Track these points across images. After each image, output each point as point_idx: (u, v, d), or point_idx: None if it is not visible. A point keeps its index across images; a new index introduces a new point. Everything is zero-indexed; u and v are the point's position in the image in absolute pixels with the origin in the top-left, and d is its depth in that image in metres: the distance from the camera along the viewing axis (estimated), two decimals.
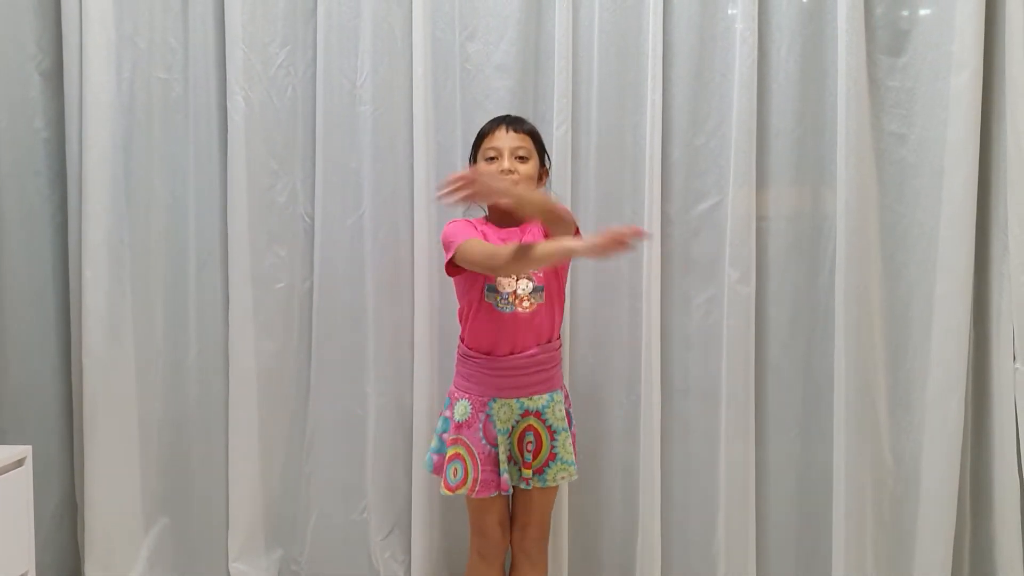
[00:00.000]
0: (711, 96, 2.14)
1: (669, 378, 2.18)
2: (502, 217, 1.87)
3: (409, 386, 2.20)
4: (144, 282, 2.26)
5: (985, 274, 2.10)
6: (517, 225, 1.87)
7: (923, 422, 2.10)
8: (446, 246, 1.82)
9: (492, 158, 1.86)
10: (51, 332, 2.24)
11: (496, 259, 1.72)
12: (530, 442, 1.84)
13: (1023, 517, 2.04)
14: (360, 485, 2.24)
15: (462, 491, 1.83)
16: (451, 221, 1.90)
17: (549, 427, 1.85)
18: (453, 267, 1.82)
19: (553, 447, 1.85)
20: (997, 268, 2.08)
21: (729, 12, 2.12)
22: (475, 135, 1.95)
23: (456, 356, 1.93)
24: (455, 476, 1.84)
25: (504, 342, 1.83)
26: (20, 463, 1.79)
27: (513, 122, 1.90)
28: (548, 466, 1.84)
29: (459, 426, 1.86)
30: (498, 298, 1.82)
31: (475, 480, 1.81)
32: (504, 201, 1.72)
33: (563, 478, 1.87)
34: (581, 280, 2.15)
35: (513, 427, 1.84)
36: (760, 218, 2.14)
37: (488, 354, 1.84)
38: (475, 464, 1.82)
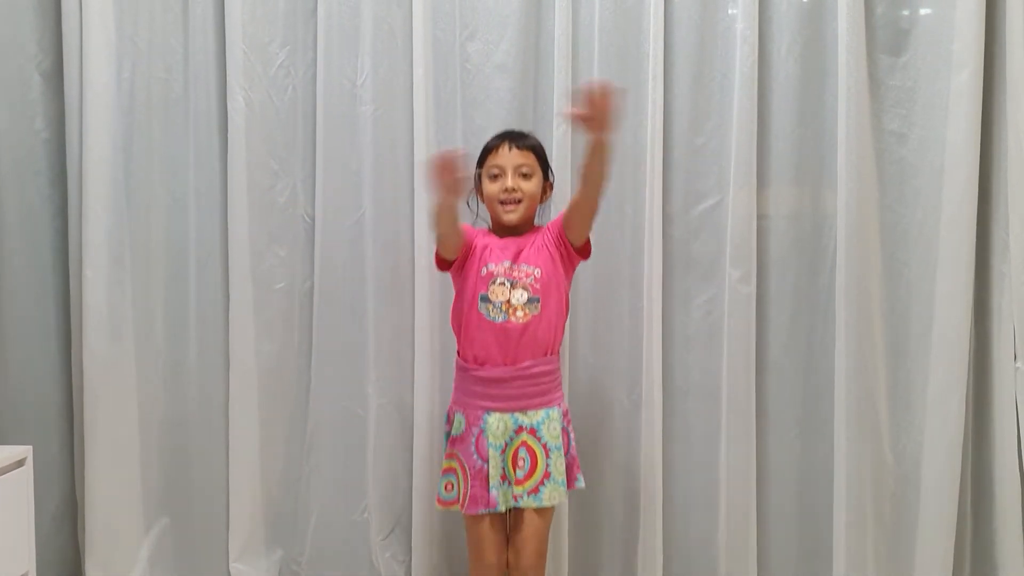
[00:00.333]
0: (711, 96, 2.14)
1: (670, 378, 2.17)
2: (505, 230, 1.87)
3: (409, 386, 2.20)
4: (144, 282, 2.26)
5: (985, 274, 2.10)
6: (519, 235, 1.87)
7: (924, 421, 2.10)
8: None
9: (496, 176, 1.85)
10: (51, 332, 2.24)
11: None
12: (522, 459, 1.79)
13: None
14: (360, 485, 2.24)
15: (455, 507, 1.82)
16: None
17: (544, 444, 1.80)
18: (441, 259, 1.85)
19: (547, 465, 1.79)
20: (997, 268, 2.08)
21: (729, 12, 2.13)
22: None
23: (454, 371, 1.91)
24: (448, 491, 1.83)
25: (497, 352, 1.80)
26: (20, 463, 1.78)
27: (516, 139, 1.87)
28: (543, 485, 1.78)
29: (454, 440, 1.84)
30: (490, 307, 1.80)
31: (465, 495, 1.79)
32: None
33: (555, 499, 1.79)
34: (581, 280, 2.15)
35: (507, 444, 1.80)
36: (761, 218, 2.14)
37: (482, 365, 1.82)
38: (466, 479, 1.80)
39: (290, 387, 2.27)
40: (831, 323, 2.12)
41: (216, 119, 2.22)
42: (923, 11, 2.09)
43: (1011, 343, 2.05)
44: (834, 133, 2.08)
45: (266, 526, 2.29)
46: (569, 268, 1.88)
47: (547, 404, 1.84)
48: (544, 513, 1.83)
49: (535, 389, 1.82)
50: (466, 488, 1.79)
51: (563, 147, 2.12)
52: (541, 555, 1.85)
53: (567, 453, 1.85)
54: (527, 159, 1.86)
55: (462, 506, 1.80)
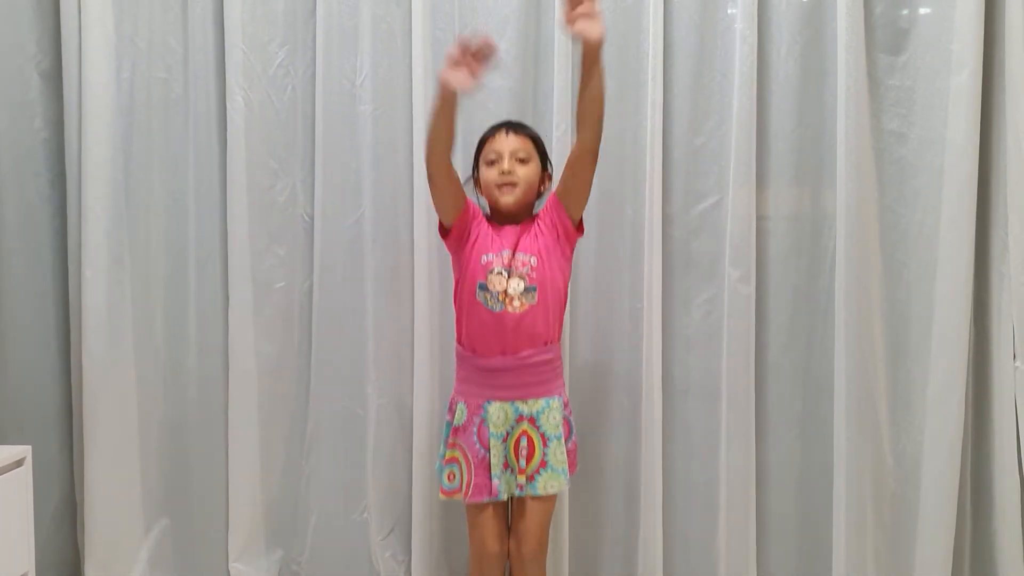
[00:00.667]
0: (711, 96, 2.14)
1: (669, 378, 2.17)
2: (503, 217, 1.88)
3: (409, 386, 2.20)
4: (144, 282, 2.25)
5: (985, 274, 2.10)
6: (517, 223, 1.87)
7: (923, 421, 2.10)
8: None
9: (493, 161, 1.86)
10: (51, 332, 2.24)
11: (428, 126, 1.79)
12: (524, 447, 1.81)
13: None
14: (360, 485, 2.24)
15: (458, 496, 1.83)
16: None
17: (542, 433, 1.82)
18: (443, 229, 1.87)
19: (544, 454, 1.81)
20: (997, 268, 2.08)
21: (729, 12, 2.12)
22: (475, 134, 1.95)
23: (455, 359, 1.92)
24: (451, 480, 1.84)
25: (495, 342, 1.81)
26: (20, 463, 1.78)
27: (514, 126, 1.90)
28: (539, 473, 1.80)
29: (456, 430, 1.85)
30: (488, 296, 1.81)
31: (468, 484, 1.80)
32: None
33: (553, 488, 1.80)
34: (581, 280, 2.15)
35: (509, 432, 1.82)
36: (760, 218, 2.14)
37: (481, 354, 1.83)
38: (469, 468, 1.81)
39: (290, 387, 2.27)
40: (831, 323, 2.11)
41: (215, 119, 2.22)
42: (922, 11, 2.08)
43: (1011, 343, 2.04)
44: (834, 133, 2.08)
45: (266, 526, 2.29)
46: (568, 248, 1.87)
47: (547, 393, 1.85)
48: (546, 503, 1.84)
49: (535, 378, 1.83)
50: (469, 477, 1.81)
51: (563, 147, 2.11)
52: (542, 544, 1.87)
53: (567, 440, 1.86)
54: (524, 144, 1.87)
55: (465, 495, 1.81)
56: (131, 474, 2.26)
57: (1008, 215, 2.04)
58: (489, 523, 1.84)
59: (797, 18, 2.11)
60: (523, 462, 1.80)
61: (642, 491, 2.16)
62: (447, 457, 1.86)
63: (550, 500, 1.85)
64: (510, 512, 1.89)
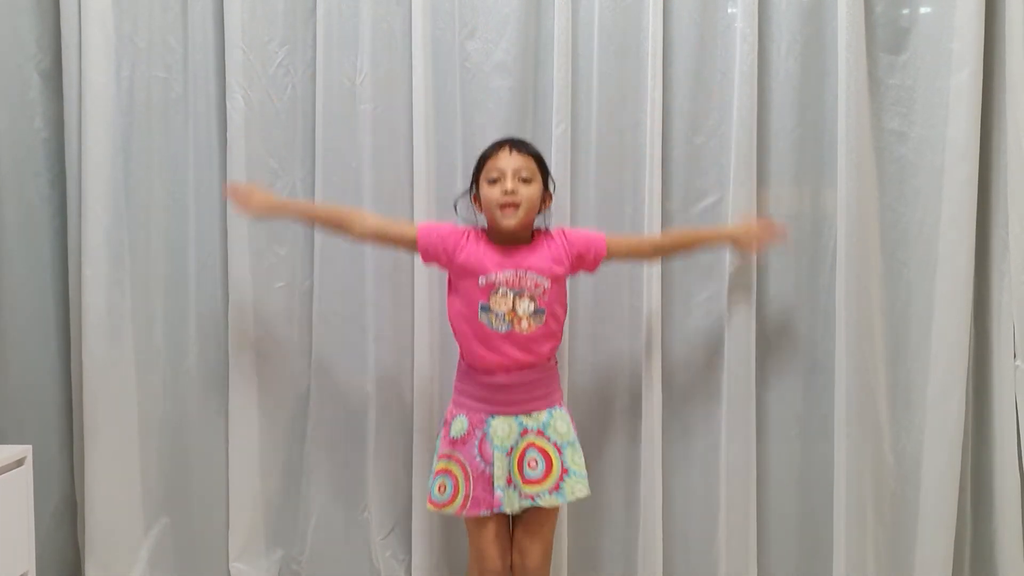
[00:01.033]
0: (711, 95, 2.14)
1: (669, 378, 2.17)
2: (504, 237, 1.82)
3: (409, 386, 2.20)
4: (144, 282, 2.25)
5: (985, 273, 2.10)
6: (517, 242, 1.82)
7: (923, 421, 2.10)
8: None
9: (495, 180, 1.79)
10: (51, 332, 2.24)
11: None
12: (533, 459, 1.78)
13: None
14: (360, 485, 2.24)
15: (449, 509, 1.80)
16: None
17: (555, 443, 1.80)
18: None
19: (563, 462, 1.80)
20: (997, 267, 2.08)
21: (729, 11, 2.12)
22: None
23: (456, 372, 1.90)
24: (441, 492, 1.81)
25: (499, 362, 1.78)
26: (20, 463, 1.79)
27: (516, 144, 1.84)
28: (563, 481, 1.78)
29: (454, 442, 1.82)
30: (492, 317, 1.77)
31: (466, 497, 1.78)
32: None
33: (581, 492, 1.80)
34: (581, 280, 2.15)
35: (513, 447, 1.79)
36: (760, 217, 2.13)
37: (485, 371, 1.80)
38: (467, 481, 1.79)
39: (290, 387, 2.27)
40: (831, 323, 2.11)
41: (215, 119, 2.22)
42: (923, 10, 2.08)
43: (1011, 342, 2.04)
44: (834, 132, 2.08)
45: (266, 526, 2.29)
46: (571, 276, 1.89)
47: (550, 404, 1.84)
48: (551, 515, 1.84)
49: (539, 392, 1.83)
50: (467, 491, 1.78)
51: (563, 146, 2.12)
52: (547, 556, 1.86)
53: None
54: (527, 163, 1.81)
55: (460, 509, 1.79)
56: (131, 474, 2.26)
57: (1008, 214, 2.03)
58: (491, 539, 1.82)
59: (797, 17, 2.11)
60: (533, 474, 1.78)
61: (642, 491, 2.16)
62: (438, 469, 1.83)
63: (555, 511, 1.85)
64: (512, 526, 1.87)
